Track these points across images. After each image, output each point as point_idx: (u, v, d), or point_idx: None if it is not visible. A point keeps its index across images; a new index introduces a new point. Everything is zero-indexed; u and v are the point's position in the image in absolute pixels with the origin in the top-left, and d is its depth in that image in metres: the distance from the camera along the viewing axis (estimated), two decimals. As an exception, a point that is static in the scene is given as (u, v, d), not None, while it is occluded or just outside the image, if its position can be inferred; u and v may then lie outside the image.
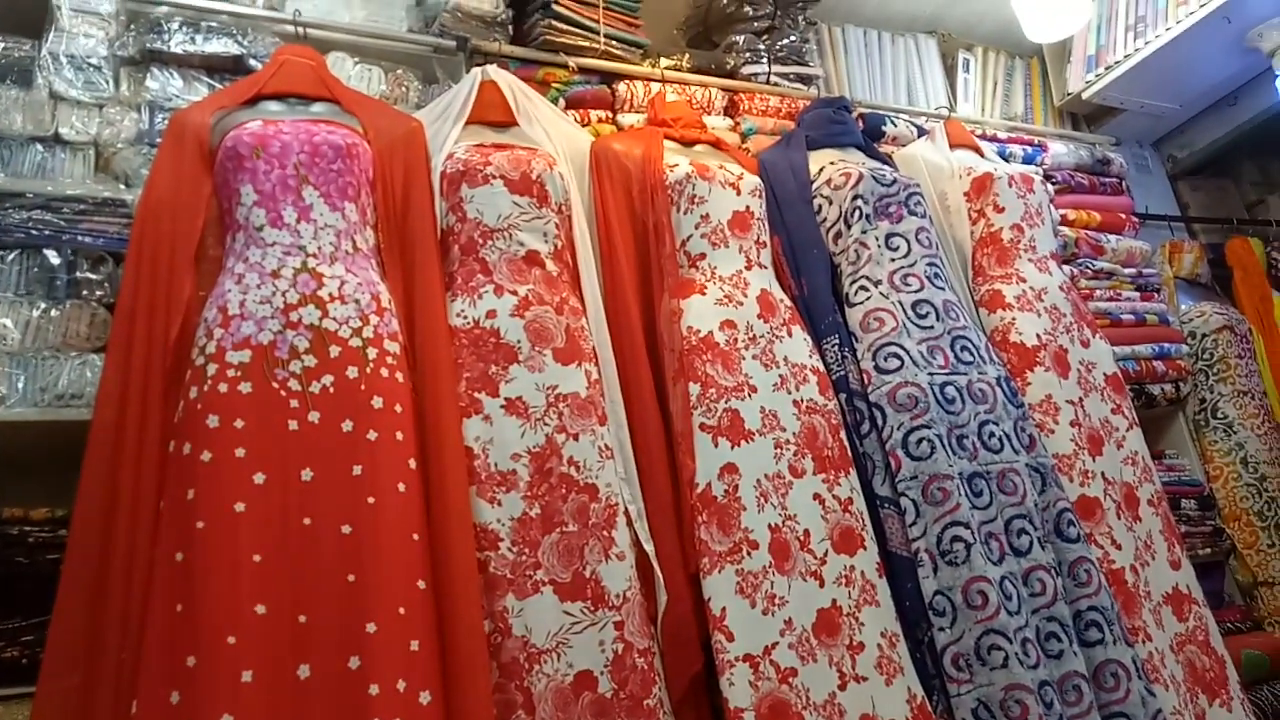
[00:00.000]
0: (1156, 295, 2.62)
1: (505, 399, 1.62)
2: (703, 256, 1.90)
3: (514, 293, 1.71)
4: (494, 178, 1.78)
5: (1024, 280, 2.15)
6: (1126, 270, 2.58)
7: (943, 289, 2.01)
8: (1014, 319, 2.10)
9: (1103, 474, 1.96)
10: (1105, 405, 2.08)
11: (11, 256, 1.62)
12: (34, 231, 1.61)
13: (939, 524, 1.70)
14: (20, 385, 1.54)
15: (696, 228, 1.92)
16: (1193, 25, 2.60)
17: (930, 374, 1.85)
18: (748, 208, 1.97)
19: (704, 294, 1.85)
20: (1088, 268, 2.51)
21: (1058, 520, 1.82)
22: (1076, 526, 1.82)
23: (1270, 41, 2.68)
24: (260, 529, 1.35)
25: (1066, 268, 2.43)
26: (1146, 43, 2.72)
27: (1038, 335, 2.08)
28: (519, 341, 1.66)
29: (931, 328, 1.93)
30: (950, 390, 1.85)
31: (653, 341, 1.84)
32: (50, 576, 1.35)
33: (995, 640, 1.60)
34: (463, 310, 1.70)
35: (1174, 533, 2.03)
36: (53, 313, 1.60)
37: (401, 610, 1.36)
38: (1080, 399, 2.05)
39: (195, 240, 1.59)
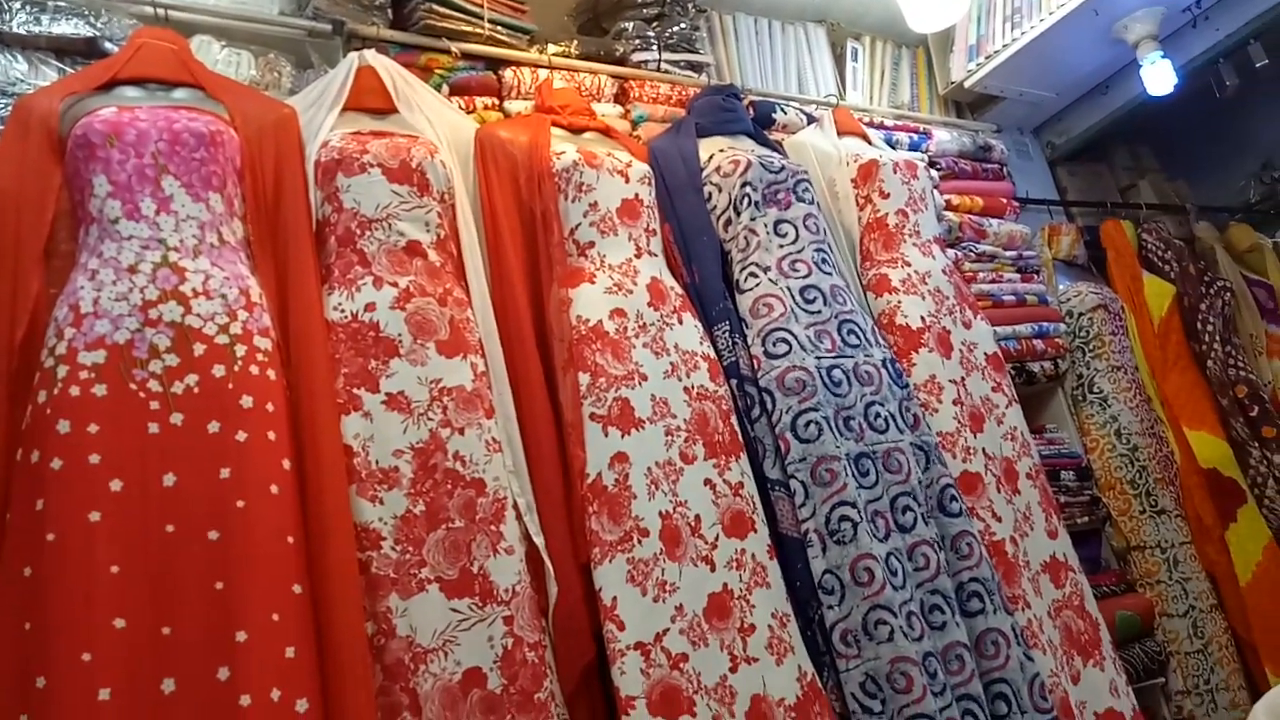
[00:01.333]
0: (1036, 276, 2.72)
1: (386, 394, 1.57)
2: (591, 245, 1.88)
3: (394, 284, 1.66)
4: (371, 166, 1.72)
5: (909, 264, 2.21)
6: (1008, 253, 2.67)
7: (830, 274, 2.04)
8: (899, 302, 2.15)
9: (984, 450, 2.03)
10: (986, 384, 2.15)
11: None
12: None
13: (827, 504, 1.73)
14: None
15: (585, 215, 1.90)
16: (1064, 16, 2.70)
17: (818, 358, 1.88)
18: (637, 195, 1.96)
19: (593, 282, 1.83)
20: (971, 251, 2.59)
21: (941, 496, 1.87)
22: (959, 501, 1.88)
23: (1134, 33, 2.81)
24: (118, 538, 1.28)
25: (951, 251, 2.50)
26: (1023, 33, 2.82)
27: (922, 318, 2.13)
28: (400, 335, 1.62)
29: (819, 312, 1.96)
30: (837, 373, 1.88)
31: (542, 331, 1.81)
32: (-119, 600, 1.25)
33: (881, 615, 1.64)
34: (340, 304, 1.64)
35: (1051, 504, 2.11)
36: (-118, 314, 1.47)
37: (275, 616, 1.31)
38: (963, 378, 2.11)
39: (44, 234, 1.49)
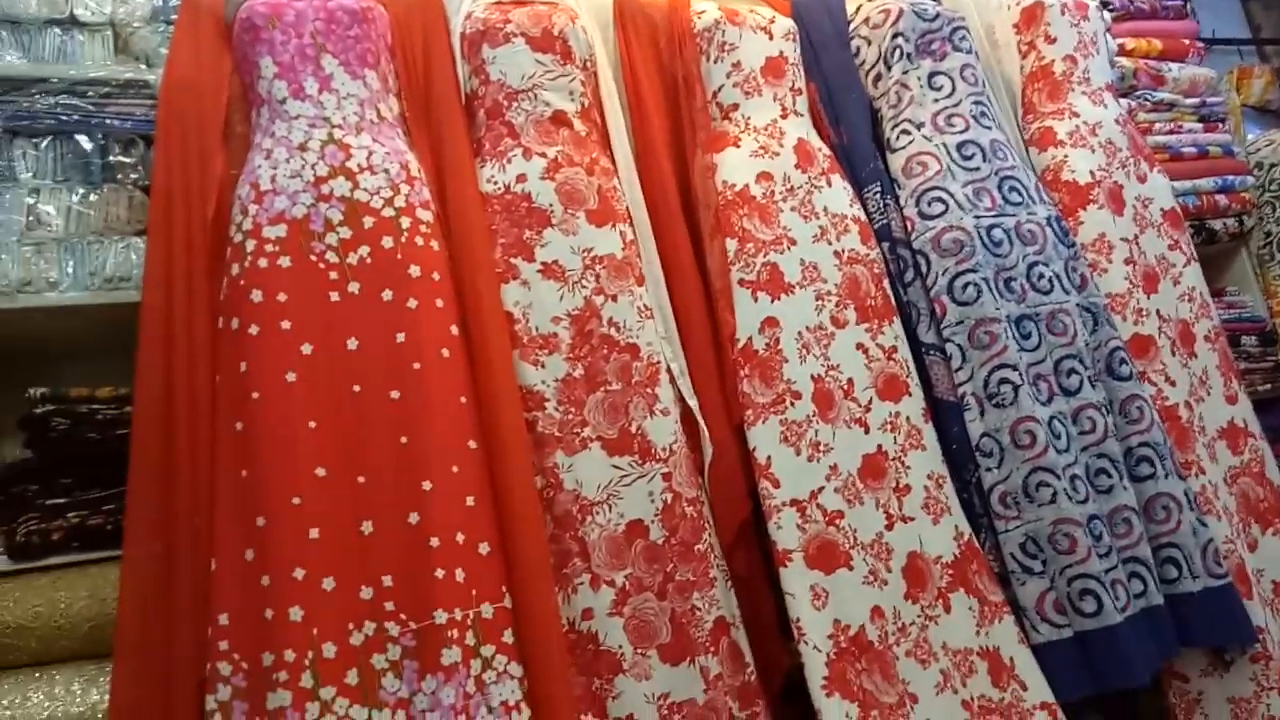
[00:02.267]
0: (1221, 125, 2.47)
1: (541, 263, 1.61)
2: (735, 107, 1.84)
3: (543, 155, 1.68)
4: (515, 36, 1.72)
5: (1077, 115, 2.04)
6: (1189, 100, 2.43)
7: (989, 128, 1.92)
8: (1066, 156, 2.00)
9: (1157, 311, 1.91)
10: (1162, 241, 2.01)
11: (45, 143, 1.63)
12: (63, 117, 1.61)
13: (986, 367, 1.68)
14: (70, 270, 1.58)
15: (728, 77, 1.84)
16: None
17: (976, 216, 1.79)
18: (781, 53, 1.88)
19: (738, 146, 1.80)
20: (1146, 99, 2.38)
21: (1109, 359, 1.78)
22: (1129, 365, 1.78)
23: None
24: (312, 397, 1.39)
25: (1124, 100, 2.29)
26: None
27: (1091, 172, 1.98)
28: (551, 205, 1.64)
29: (978, 169, 1.86)
30: (997, 232, 1.79)
31: (687, 198, 1.80)
32: (121, 451, 1.41)
33: (1043, 478, 1.60)
34: (492, 176, 1.68)
35: (1231, 368, 1.98)
36: (91, 197, 1.62)
37: (455, 469, 1.41)
38: (1135, 236, 1.97)
39: (221, 118, 1.58)
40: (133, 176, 1.66)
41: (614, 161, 1.77)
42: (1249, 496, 1.86)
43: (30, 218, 1.59)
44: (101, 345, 1.70)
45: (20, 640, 1.39)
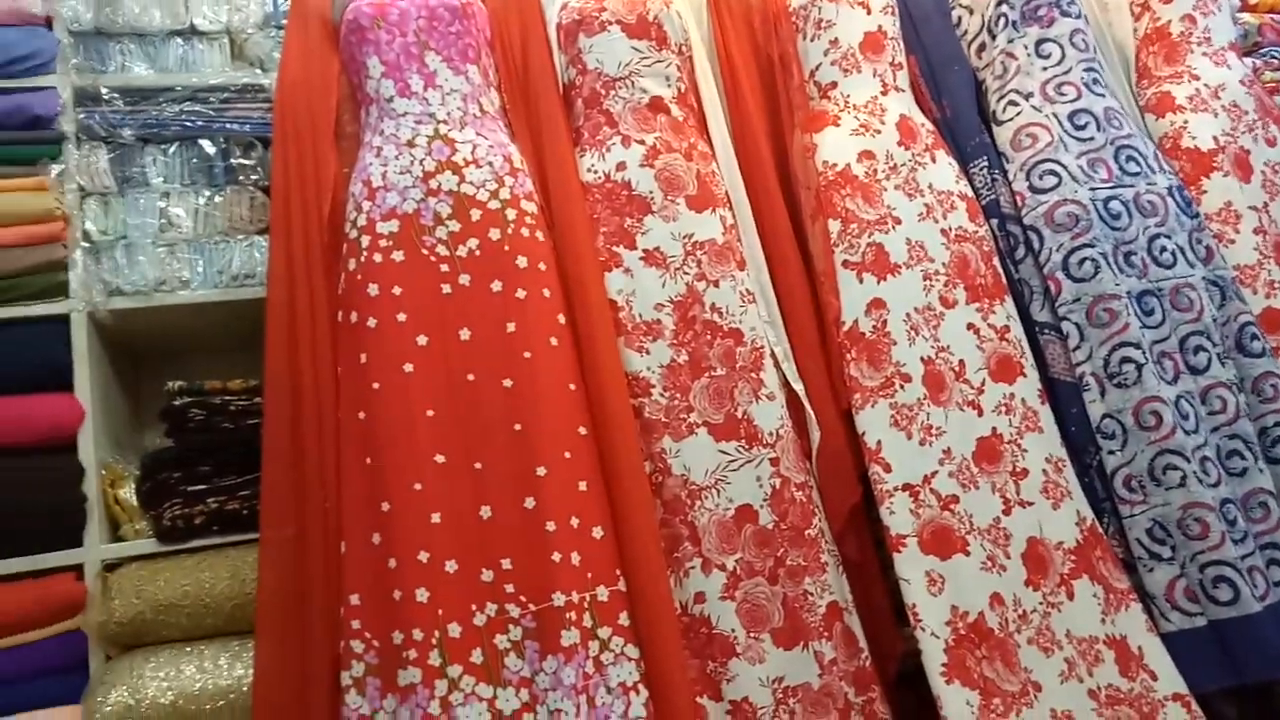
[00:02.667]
0: (1356, 82, 2.31)
1: (643, 250, 1.62)
2: (834, 85, 1.81)
3: (641, 142, 1.68)
4: (610, 24, 1.73)
5: (1197, 78, 1.94)
6: (1320, 56, 2.28)
7: (1103, 95, 1.84)
8: (1186, 122, 1.90)
9: (1291, 283, 1.80)
10: (1295, 208, 1.89)
11: (172, 149, 1.72)
12: (187, 123, 1.69)
13: (1106, 346, 1.62)
14: (200, 269, 1.67)
15: (825, 54, 1.81)
16: None
17: (1092, 189, 1.72)
18: (880, 27, 1.84)
19: (838, 125, 1.77)
20: (1274, 57, 2.23)
21: (1239, 335, 1.69)
22: (1261, 340, 1.69)
23: None
24: (429, 386, 1.44)
25: (1249, 60, 2.16)
26: None
27: (1214, 138, 1.88)
28: (651, 192, 1.65)
29: (1092, 139, 1.78)
30: (1115, 204, 1.72)
31: (786, 181, 1.78)
32: (254, 440, 1.49)
33: (1171, 460, 1.53)
34: (592, 165, 1.69)
35: (1376, 342, 1.85)
36: (216, 199, 1.70)
37: (567, 454, 1.43)
38: (1265, 204, 1.86)
39: (332, 118, 1.64)
40: (253, 177, 1.73)
41: (711, 145, 1.76)
42: (1396, 478, 1.75)
43: (162, 220, 1.68)
44: (230, 339, 1.79)
45: (172, 617, 1.48)
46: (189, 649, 1.48)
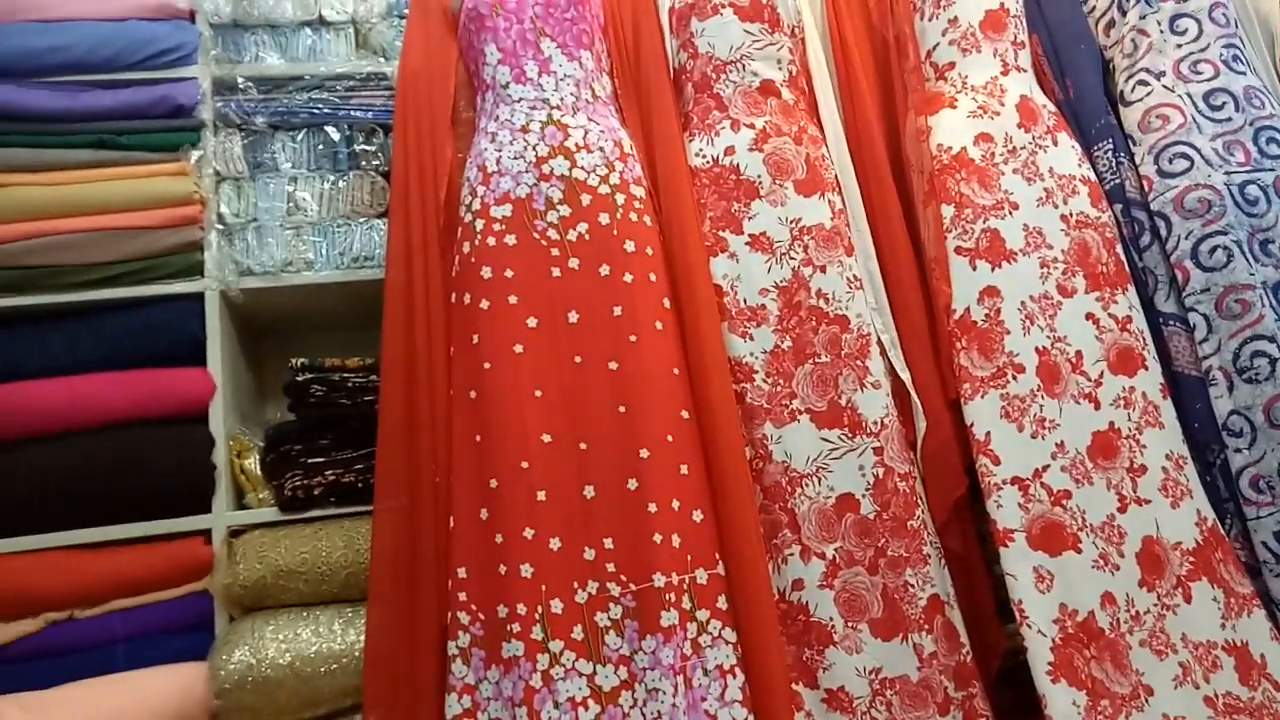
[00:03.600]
0: None
1: (750, 235, 1.62)
2: (952, 66, 1.76)
3: (751, 126, 1.68)
4: (723, 7, 1.72)
5: (1353, 51, 1.80)
6: None
7: (1243, 73, 1.73)
8: (1337, 101, 1.77)
9: None
10: None
11: (300, 136, 1.80)
12: (315, 111, 1.78)
13: (1236, 339, 1.54)
14: (323, 251, 1.75)
15: (944, 34, 1.76)
16: None
17: (1227, 173, 1.63)
18: (1002, 4, 1.78)
19: (954, 107, 1.72)
20: None
21: (1390, 330, 1.58)
22: None
23: None
24: (538, 367, 1.47)
25: None
26: None
27: (1368, 117, 1.75)
28: (759, 176, 1.64)
29: (1229, 120, 1.68)
30: (1252, 190, 1.62)
31: (899, 166, 1.75)
32: (369, 416, 1.56)
33: (1305, 462, 1.45)
34: (701, 149, 1.70)
35: None
36: (339, 184, 1.78)
37: (669, 438, 1.45)
38: None
39: (450, 105, 1.69)
40: (374, 163, 1.80)
41: (822, 129, 1.74)
42: None
43: (290, 204, 1.77)
44: (350, 319, 1.87)
45: (290, 583, 1.57)
46: (305, 614, 1.56)
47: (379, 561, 1.47)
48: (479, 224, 1.55)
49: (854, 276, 1.63)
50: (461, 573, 1.39)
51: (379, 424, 1.52)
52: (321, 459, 1.67)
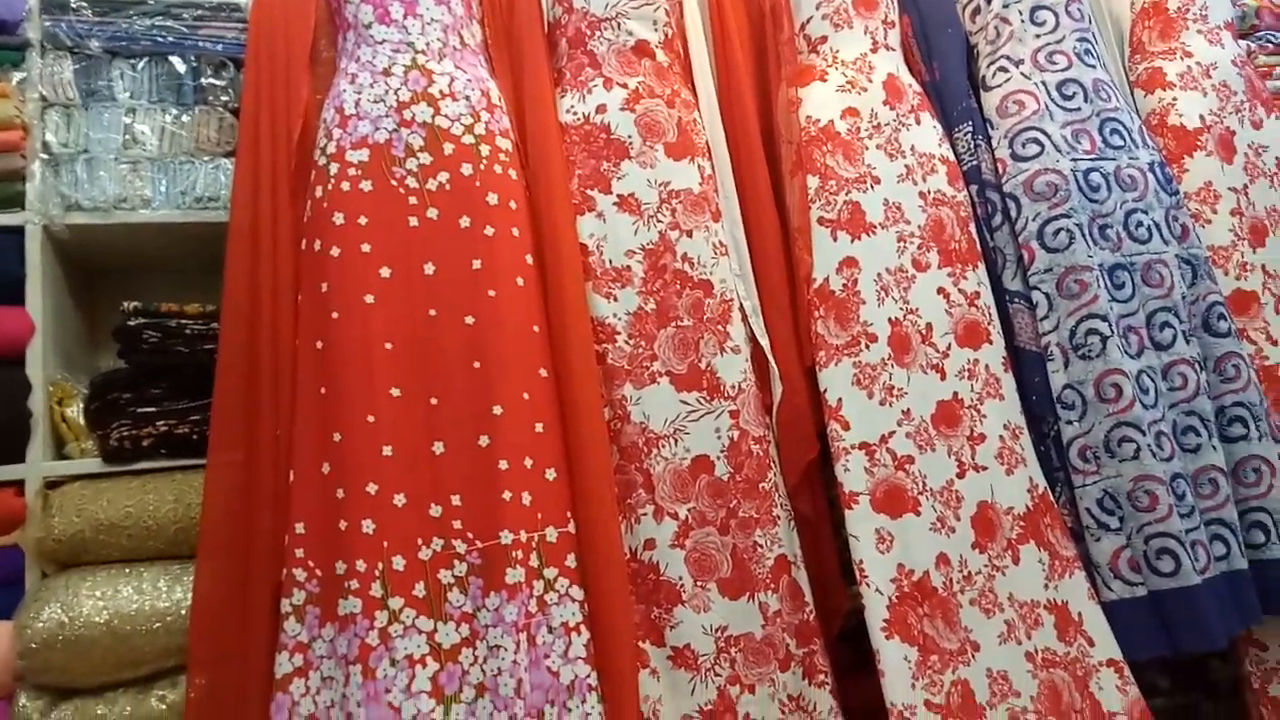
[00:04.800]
0: (1350, 70, 2.29)
1: (618, 196, 1.60)
2: (824, 40, 1.78)
3: (624, 85, 1.66)
4: (599, -38, 1.69)
5: (1190, 55, 1.92)
6: (1317, 43, 2.25)
7: (1094, 67, 1.82)
8: (1175, 100, 1.89)
9: (1263, 267, 1.80)
10: (1275, 193, 1.88)
11: (141, 64, 1.67)
12: (159, 39, 1.65)
13: (1073, 317, 1.62)
14: (163, 188, 1.64)
15: (817, 8, 1.78)
16: None
17: (1074, 159, 1.71)
18: (874, -17, 1.81)
19: (824, 80, 1.74)
20: (1269, 42, 2.21)
21: (1207, 314, 1.70)
22: (1228, 321, 1.69)
23: None
24: (389, 319, 1.42)
25: (1244, 42, 2.14)
26: None
27: (1201, 116, 1.87)
28: (630, 137, 1.63)
29: (1078, 109, 1.77)
30: (1095, 176, 1.71)
31: (769, 134, 1.76)
32: (208, 365, 1.47)
33: (1126, 432, 1.54)
34: (572, 106, 1.67)
35: (1345, 330, 1.86)
36: (184, 118, 1.66)
37: (525, 395, 1.43)
38: (1245, 186, 1.85)
39: (309, 43, 1.60)
40: (223, 99, 1.69)
41: (695, 94, 1.74)
42: (1349, 465, 1.77)
43: (126, 136, 1.64)
44: (191, 263, 1.76)
45: (113, 537, 1.47)
46: (128, 570, 1.47)
47: (211, 516, 1.39)
48: (333, 168, 1.48)
49: (720, 242, 1.63)
50: (299, 528, 1.34)
51: (216, 373, 1.44)
52: (153, 409, 1.57)
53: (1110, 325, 1.60)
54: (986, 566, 1.49)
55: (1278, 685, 1.62)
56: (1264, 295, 1.78)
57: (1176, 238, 1.73)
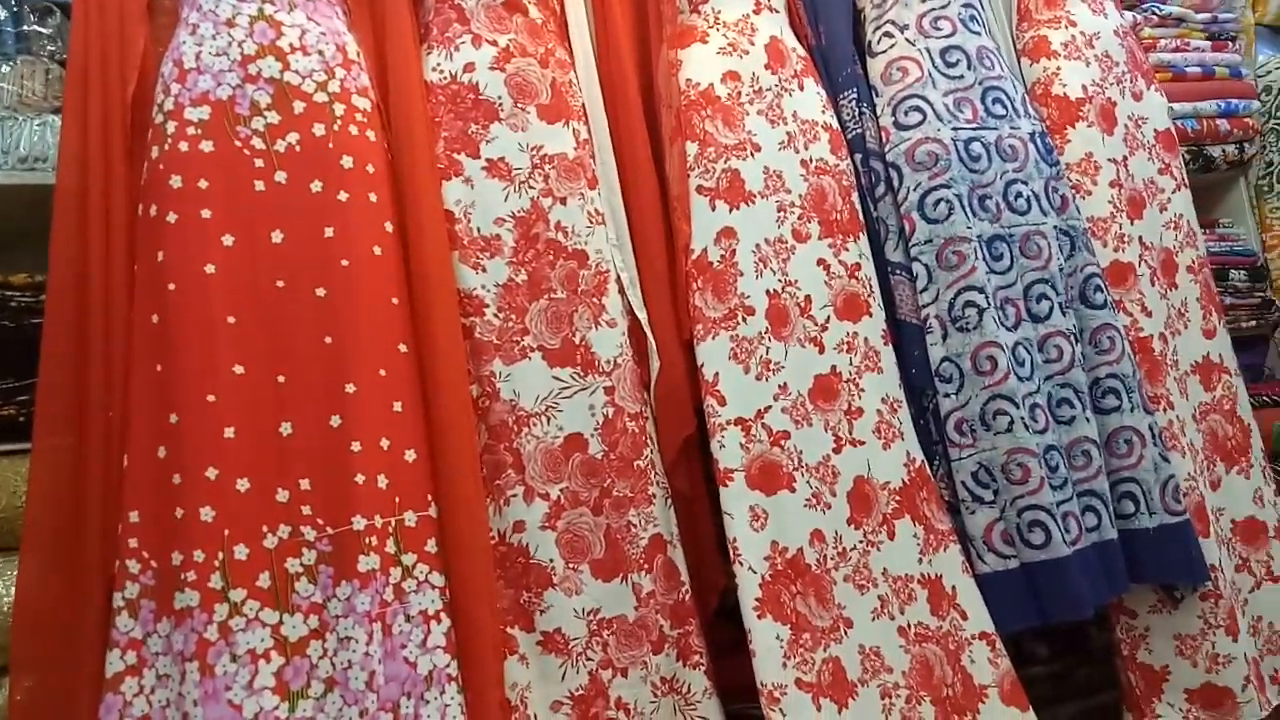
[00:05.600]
0: (1231, 45, 2.33)
1: (487, 160, 1.52)
2: (705, 0, 1.71)
3: (494, 43, 1.57)
4: (467, -89, 1.58)
5: (1074, 24, 1.91)
6: (1199, 16, 2.28)
7: (979, 34, 1.80)
8: (1059, 69, 1.88)
9: (1140, 238, 1.82)
10: (1152, 165, 1.90)
11: (-48, 9, 1.53)
12: (-28, -19, 1.50)
13: (952, 289, 1.61)
14: (-20, 147, 1.50)
15: (699, -34, 1.71)
16: None
17: (955, 129, 1.69)
18: (759, -58, 1.75)
19: (705, 42, 1.68)
20: (1154, 13, 2.23)
21: (1084, 286, 1.70)
22: (1104, 293, 1.71)
23: None
24: (232, 291, 1.33)
25: (1128, 13, 2.16)
26: None
27: (1084, 86, 1.87)
28: (500, 98, 1.54)
29: (961, 77, 1.74)
30: (976, 146, 1.69)
31: (650, 98, 1.69)
32: (35, 340, 1.35)
33: (1001, 405, 1.54)
34: (438, 64, 1.57)
35: (1213, 301, 1.90)
36: (4, 69, 1.52)
37: (382, 372, 1.35)
38: (1124, 158, 1.86)
39: (146, -11, 1.47)
40: (49, 49, 1.56)
41: (571, 54, 1.66)
42: (1217, 434, 1.81)
43: (-61, 89, 1.50)
44: (14, 229, 1.62)
45: (-72, 530, 1.35)
46: (-56, 565, 1.36)
47: (36, 505, 1.29)
48: (171, 126, 1.37)
49: (596, 210, 1.57)
50: (133, 517, 1.24)
51: (42, 348, 1.32)
52: (-27, 390, 1.44)
53: (987, 297, 1.59)
54: (861, 542, 1.48)
55: (1145, 651, 1.66)
56: (1140, 267, 1.80)
57: (1055, 209, 1.73)
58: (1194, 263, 1.89)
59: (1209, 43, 2.30)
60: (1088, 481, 1.59)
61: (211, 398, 1.27)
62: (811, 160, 1.66)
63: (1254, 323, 2.24)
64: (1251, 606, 1.74)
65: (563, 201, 1.53)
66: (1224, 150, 2.27)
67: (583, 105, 1.62)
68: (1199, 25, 2.29)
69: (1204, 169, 2.25)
